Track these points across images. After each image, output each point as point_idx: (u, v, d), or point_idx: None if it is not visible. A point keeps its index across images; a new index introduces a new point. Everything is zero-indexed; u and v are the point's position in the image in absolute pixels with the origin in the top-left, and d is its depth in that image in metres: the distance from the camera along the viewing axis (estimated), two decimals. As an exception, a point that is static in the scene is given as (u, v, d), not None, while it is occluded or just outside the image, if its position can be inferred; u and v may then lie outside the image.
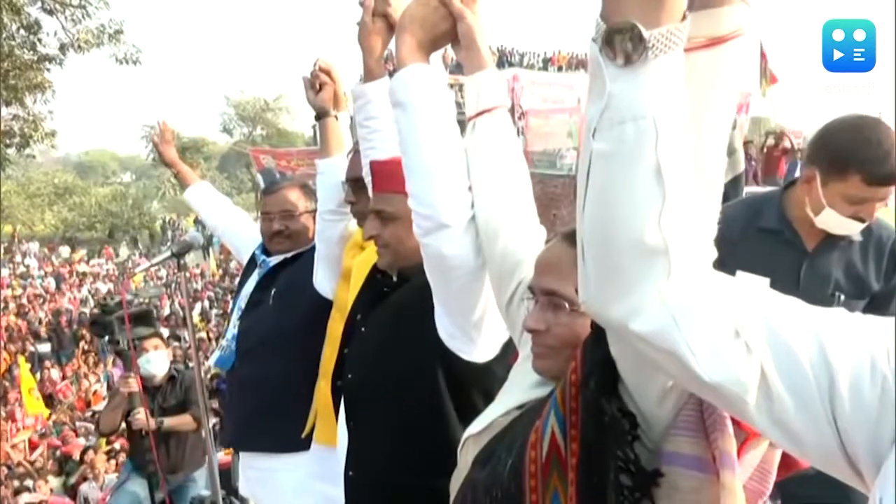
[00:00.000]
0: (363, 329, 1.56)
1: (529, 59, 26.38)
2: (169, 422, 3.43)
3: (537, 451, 0.83)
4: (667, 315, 0.62)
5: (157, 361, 3.57)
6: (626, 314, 0.63)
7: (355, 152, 1.79)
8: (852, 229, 1.68)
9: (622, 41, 0.59)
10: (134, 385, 3.26)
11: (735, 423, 0.74)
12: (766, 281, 1.59)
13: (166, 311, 14.49)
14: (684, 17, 0.61)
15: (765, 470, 0.81)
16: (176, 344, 11.84)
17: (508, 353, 1.31)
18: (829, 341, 0.58)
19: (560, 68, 26.27)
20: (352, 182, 1.80)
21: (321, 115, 1.99)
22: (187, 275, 2.94)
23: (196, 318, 13.65)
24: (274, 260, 2.25)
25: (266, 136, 35.36)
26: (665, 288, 0.62)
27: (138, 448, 3.36)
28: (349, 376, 1.56)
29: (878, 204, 1.64)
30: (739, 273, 1.73)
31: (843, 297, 1.76)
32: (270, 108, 35.55)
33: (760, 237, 1.76)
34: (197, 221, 31.78)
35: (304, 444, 2.00)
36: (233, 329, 2.27)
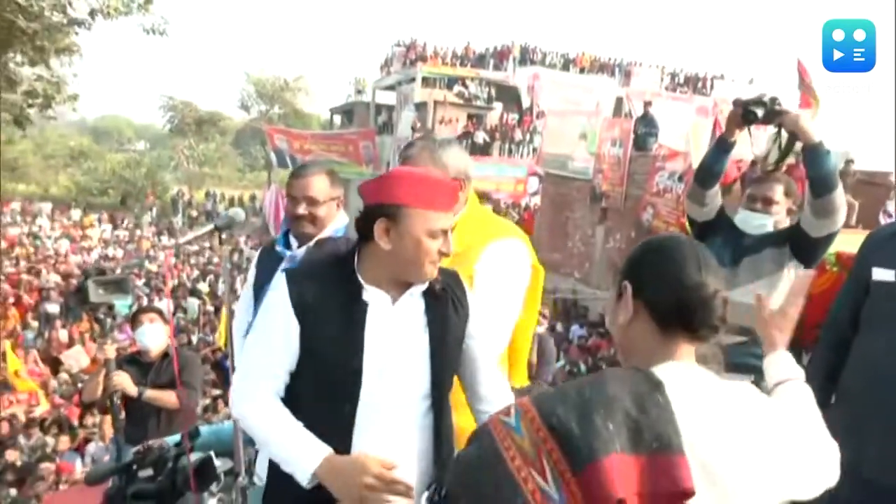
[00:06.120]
0: None
1: (551, 58, 26.25)
2: (149, 393, 3.29)
3: None
4: None
5: (151, 335, 3.46)
6: None
7: None
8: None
9: None
10: (110, 351, 3.17)
11: None
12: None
13: (174, 282, 14.60)
14: None
15: None
16: (182, 315, 11.96)
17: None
18: None
19: (582, 70, 26.12)
20: None
21: None
22: (228, 248, 2.94)
23: (205, 291, 13.78)
24: (300, 252, 2.29)
25: (282, 115, 35.32)
26: None
27: (116, 417, 3.24)
28: None
29: None
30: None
31: None
32: (289, 87, 35.46)
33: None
34: (208, 195, 31.67)
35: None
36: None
